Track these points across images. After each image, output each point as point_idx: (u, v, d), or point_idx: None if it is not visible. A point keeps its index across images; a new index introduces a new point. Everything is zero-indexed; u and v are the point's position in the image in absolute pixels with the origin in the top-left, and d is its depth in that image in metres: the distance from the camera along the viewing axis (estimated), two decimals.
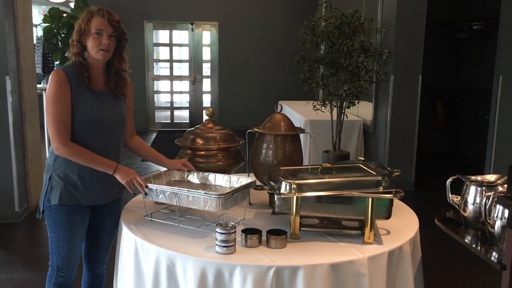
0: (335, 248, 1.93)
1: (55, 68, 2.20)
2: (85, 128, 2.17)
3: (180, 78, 10.22)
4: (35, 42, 6.54)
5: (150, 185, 2.17)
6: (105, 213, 2.37)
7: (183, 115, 10.46)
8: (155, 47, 10.03)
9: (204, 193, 2.03)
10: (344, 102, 5.47)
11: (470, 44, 7.06)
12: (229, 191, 2.05)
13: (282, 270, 1.76)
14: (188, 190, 2.07)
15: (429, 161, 6.64)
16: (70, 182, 2.20)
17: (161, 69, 10.39)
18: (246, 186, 2.17)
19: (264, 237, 1.94)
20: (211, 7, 9.58)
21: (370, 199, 1.93)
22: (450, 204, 2.20)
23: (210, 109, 2.64)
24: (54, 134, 2.12)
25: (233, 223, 1.90)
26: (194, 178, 2.40)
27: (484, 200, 1.93)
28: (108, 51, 2.16)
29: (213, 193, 2.01)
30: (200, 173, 2.40)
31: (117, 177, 2.17)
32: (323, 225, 2.09)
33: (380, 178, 1.97)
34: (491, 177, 2.12)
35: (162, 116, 10.44)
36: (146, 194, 2.16)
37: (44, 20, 7.24)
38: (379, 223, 2.11)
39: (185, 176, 2.41)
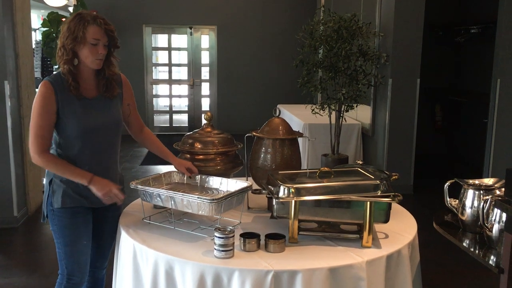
0: (334, 252, 1.93)
1: (44, 79, 2.20)
2: (77, 136, 2.18)
3: (178, 82, 10.23)
4: (34, 46, 6.55)
5: (148, 188, 2.18)
6: (106, 216, 2.36)
7: (181, 119, 10.47)
8: (153, 51, 10.04)
9: (197, 197, 2.03)
10: (343, 106, 5.48)
11: (468, 48, 7.08)
12: (222, 195, 2.05)
13: (280, 274, 1.76)
14: (182, 194, 2.08)
15: (428, 164, 6.65)
16: (70, 184, 2.21)
17: (160, 73, 10.41)
18: (241, 191, 2.17)
19: (262, 241, 1.94)
20: (210, 11, 9.60)
21: (368, 203, 1.93)
22: (448, 208, 2.20)
23: (209, 113, 2.65)
24: (32, 143, 2.15)
25: (231, 227, 1.91)
26: (192, 181, 2.41)
27: (482, 203, 1.93)
28: (102, 59, 2.18)
29: (206, 197, 2.02)
30: (199, 176, 2.41)
31: (93, 189, 2.15)
32: (322, 229, 2.09)
33: (378, 182, 1.98)
34: (489, 181, 2.12)
35: (160, 120, 10.45)
36: (120, 205, 2.18)
37: (43, 25, 7.24)
38: (378, 226, 2.12)
39: (185, 179, 2.42)
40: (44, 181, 2.29)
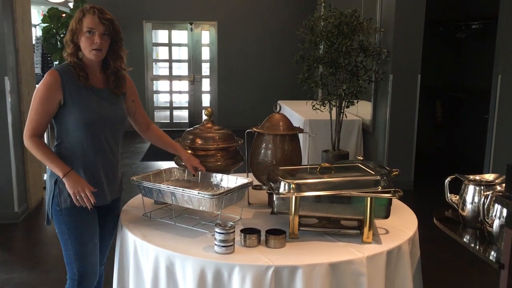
0: (334, 247, 1.93)
1: (52, 67, 2.19)
2: (83, 126, 2.14)
3: (179, 78, 10.22)
4: (34, 42, 6.54)
5: (148, 184, 2.18)
6: (106, 213, 2.34)
7: (182, 115, 10.46)
8: (154, 47, 10.02)
9: (198, 192, 2.03)
10: (343, 102, 5.47)
11: (469, 43, 7.06)
12: (222, 191, 2.05)
13: (281, 270, 1.76)
14: (183, 190, 2.08)
15: (428, 161, 6.65)
16: None
17: (160, 69, 10.39)
18: (241, 187, 2.17)
19: (263, 237, 1.94)
20: (210, 7, 9.58)
21: (369, 198, 1.93)
22: (448, 204, 2.20)
23: (209, 109, 2.65)
24: (26, 125, 2.15)
25: (231, 223, 1.91)
26: (193, 177, 2.41)
27: (482, 199, 1.93)
28: (101, 50, 2.13)
29: (207, 193, 2.02)
30: (199, 172, 2.41)
31: (66, 183, 2.10)
32: (322, 224, 2.09)
33: (378, 177, 1.98)
34: (489, 177, 2.12)
35: (161, 116, 10.44)
36: (90, 209, 2.12)
37: (43, 20, 7.23)
38: (378, 222, 2.12)
39: (185, 175, 2.42)
40: (47, 180, 2.23)
